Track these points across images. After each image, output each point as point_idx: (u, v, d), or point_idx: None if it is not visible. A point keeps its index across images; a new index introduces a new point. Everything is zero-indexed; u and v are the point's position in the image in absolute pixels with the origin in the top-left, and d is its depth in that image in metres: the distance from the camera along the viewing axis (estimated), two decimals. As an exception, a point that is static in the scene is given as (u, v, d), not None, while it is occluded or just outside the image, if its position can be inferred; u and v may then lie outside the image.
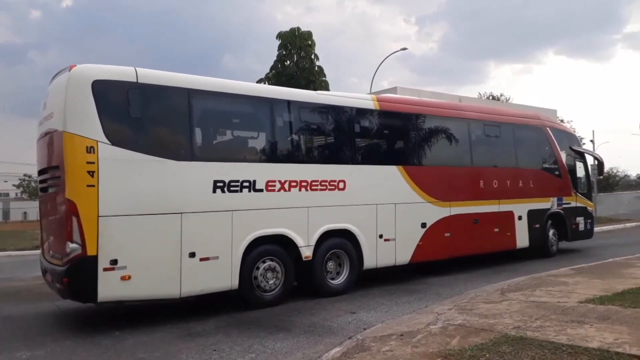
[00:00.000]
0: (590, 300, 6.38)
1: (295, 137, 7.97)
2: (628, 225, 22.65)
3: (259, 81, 22.14)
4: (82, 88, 5.99)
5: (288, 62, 22.66)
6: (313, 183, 7.70)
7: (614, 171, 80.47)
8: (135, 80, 6.33)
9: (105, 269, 5.88)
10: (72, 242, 5.78)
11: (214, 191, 6.75)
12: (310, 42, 22.48)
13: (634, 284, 7.37)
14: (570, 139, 12.98)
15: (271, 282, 7.26)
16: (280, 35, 22.41)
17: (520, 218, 10.89)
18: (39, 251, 7.67)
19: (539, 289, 7.33)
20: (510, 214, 10.72)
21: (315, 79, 22.24)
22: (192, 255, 6.50)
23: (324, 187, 7.82)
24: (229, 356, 5.09)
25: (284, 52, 22.63)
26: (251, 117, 7.89)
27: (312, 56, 22.67)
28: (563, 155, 12.13)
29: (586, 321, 5.38)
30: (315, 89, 18.11)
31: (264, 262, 7.20)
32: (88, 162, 5.85)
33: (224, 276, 6.78)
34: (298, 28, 22.44)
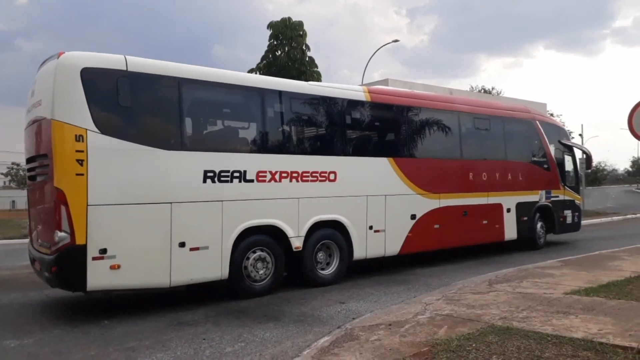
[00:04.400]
0: (575, 292, 6.48)
1: (286, 127, 7.95)
2: (615, 218, 22.93)
3: (250, 71, 21.94)
4: (71, 75, 5.92)
5: (279, 52, 22.47)
6: (304, 174, 7.71)
7: (602, 165, 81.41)
8: (125, 68, 6.27)
9: (94, 258, 5.87)
10: (60, 231, 5.75)
11: (204, 181, 6.74)
12: (301, 33, 22.29)
13: (619, 276, 7.49)
14: (559, 133, 13.06)
15: (261, 272, 7.28)
16: (271, 25, 22.20)
17: (508, 210, 11.00)
18: (27, 240, 7.63)
19: (525, 281, 7.42)
20: (499, 207, 10.81)
21: (306, 70, 22.11)
22: (182, 245, 6.50)
23: (315, 178, 7.84)
24: (218, 345, 5.12)
25: (275, 43, 22.45)
26: (242, 107, 7.85)
27: (304, 47, 22.51)
28: (552, 149, 12.20)
29: (571, 312, 5.47)
30: (306, 80, 18.05)
31: (254, 252, 7.23)
32: (77, 151, 5.81)
33: (214, 266, 6.79)
34: (289, 18, 22.24)
